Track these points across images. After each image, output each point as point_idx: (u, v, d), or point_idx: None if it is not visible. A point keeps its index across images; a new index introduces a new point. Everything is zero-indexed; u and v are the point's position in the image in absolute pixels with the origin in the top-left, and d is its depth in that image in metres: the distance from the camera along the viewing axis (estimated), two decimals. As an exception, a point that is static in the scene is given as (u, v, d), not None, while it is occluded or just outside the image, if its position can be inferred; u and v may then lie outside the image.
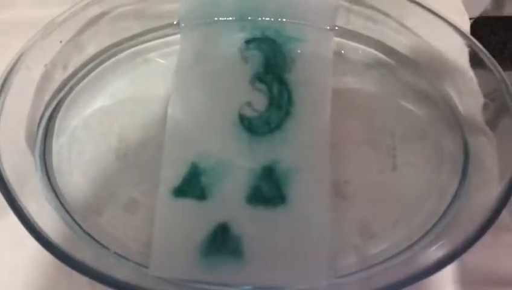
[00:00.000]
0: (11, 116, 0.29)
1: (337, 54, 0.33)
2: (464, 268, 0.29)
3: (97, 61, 0.32)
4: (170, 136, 0.30)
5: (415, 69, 0.32)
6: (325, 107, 0.30)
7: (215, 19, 0.32)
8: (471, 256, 0.26)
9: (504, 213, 0.26)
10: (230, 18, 0.32)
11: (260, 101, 0.30)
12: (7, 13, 0.35)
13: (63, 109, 0.31)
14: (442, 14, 0.31)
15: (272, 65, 0.31)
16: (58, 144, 0.31)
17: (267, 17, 0.32)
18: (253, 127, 0.30)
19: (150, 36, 0.33)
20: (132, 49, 0.33)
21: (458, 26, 0.31)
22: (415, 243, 0.28)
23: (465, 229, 0.26)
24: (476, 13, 0.40)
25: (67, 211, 0.29)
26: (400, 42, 0.32)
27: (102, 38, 0.32)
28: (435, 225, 0.28)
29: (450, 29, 0.31)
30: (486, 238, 0.26)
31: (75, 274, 0.25)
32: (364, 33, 0.33)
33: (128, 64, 0.33)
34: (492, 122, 0.30)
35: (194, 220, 0.28)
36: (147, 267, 0.27)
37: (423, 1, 0.31)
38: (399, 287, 0.25)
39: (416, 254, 0.28)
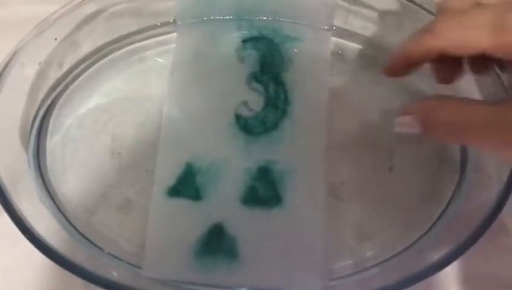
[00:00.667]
0: (5, 115, 0.29)
1: (335, 53, 0.32)
2: (463, 270, 0.29)
3: (92, 59, 0.32)
4: (165, 135, 0.30)
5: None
6: (321, 107, 0.30)
7: (212, 17, 0.32)
8: (470, 258, 0.26)
9: (503, 215, 0.26)
10: (227, 17, 0.32)
11: (256, 101, 0.30)
12: (1, 10, 0.35)
13: (57, 107, 0.31)
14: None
15: (269, 65, 0.31)
16: (52, 143, 0.30)
17: (264, 16, 0.32)
18: (249, 127, 0.30)
19: (145, 34, 0.33)
20: (128, 48, 0.33)
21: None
22: (411, 246, 0.28)
23: (462, 231, 0.26)
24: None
25: (60, 211, 0.29)
26: (398, 42, 0.32)
27: (97, 36, 0.32)
28: (432, 226, 0.28)
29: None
30: (485, 241, 0.25)
31: (70, 273, 0.25)
32: (362, 33, 0.33)
33: (124, 63, 0.32)
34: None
35: (189, 220, 0.28)
36: (140, 268, 0.27)
37: (421, 1, 0.31)
38: (395, 290, 0.25)
39: (413, 256, 0.27)
